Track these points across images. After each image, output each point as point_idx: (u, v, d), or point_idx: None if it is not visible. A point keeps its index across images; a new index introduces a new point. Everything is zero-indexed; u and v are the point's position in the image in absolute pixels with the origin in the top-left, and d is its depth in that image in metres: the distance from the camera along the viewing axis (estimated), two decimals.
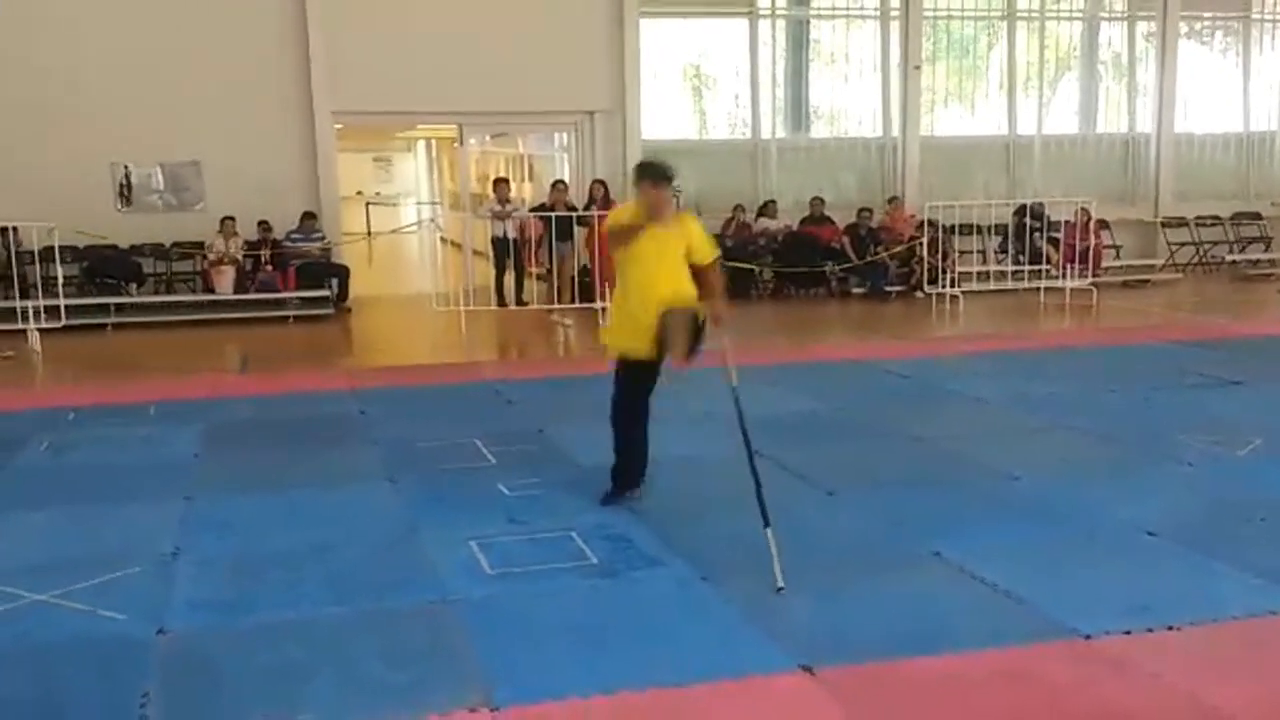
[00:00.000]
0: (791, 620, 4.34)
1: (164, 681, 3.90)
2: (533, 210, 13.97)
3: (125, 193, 13.54)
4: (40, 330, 11.40)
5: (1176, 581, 4.69)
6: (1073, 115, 17.48)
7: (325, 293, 13.42)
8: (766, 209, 14.92)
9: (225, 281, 13.08)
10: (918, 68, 15.80)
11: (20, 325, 11.49)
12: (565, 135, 15.73)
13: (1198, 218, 16.64)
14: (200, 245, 13.41)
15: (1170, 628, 4.19)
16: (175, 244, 13.50)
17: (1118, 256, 15.84)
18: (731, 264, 14.27)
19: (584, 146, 15.15)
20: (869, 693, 3.75)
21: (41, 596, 4.60)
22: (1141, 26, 17.13)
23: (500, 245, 13.59)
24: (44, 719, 3.70)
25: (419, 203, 27.68)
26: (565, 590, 4.68)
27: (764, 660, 3.98)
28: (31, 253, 12.02)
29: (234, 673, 3.96)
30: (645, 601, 4.57)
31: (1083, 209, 14.30)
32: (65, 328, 11.77)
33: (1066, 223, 14.50)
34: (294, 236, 13.50)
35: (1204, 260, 16.53)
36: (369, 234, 20.51)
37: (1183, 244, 16.48)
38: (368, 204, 26.49)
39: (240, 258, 13.22)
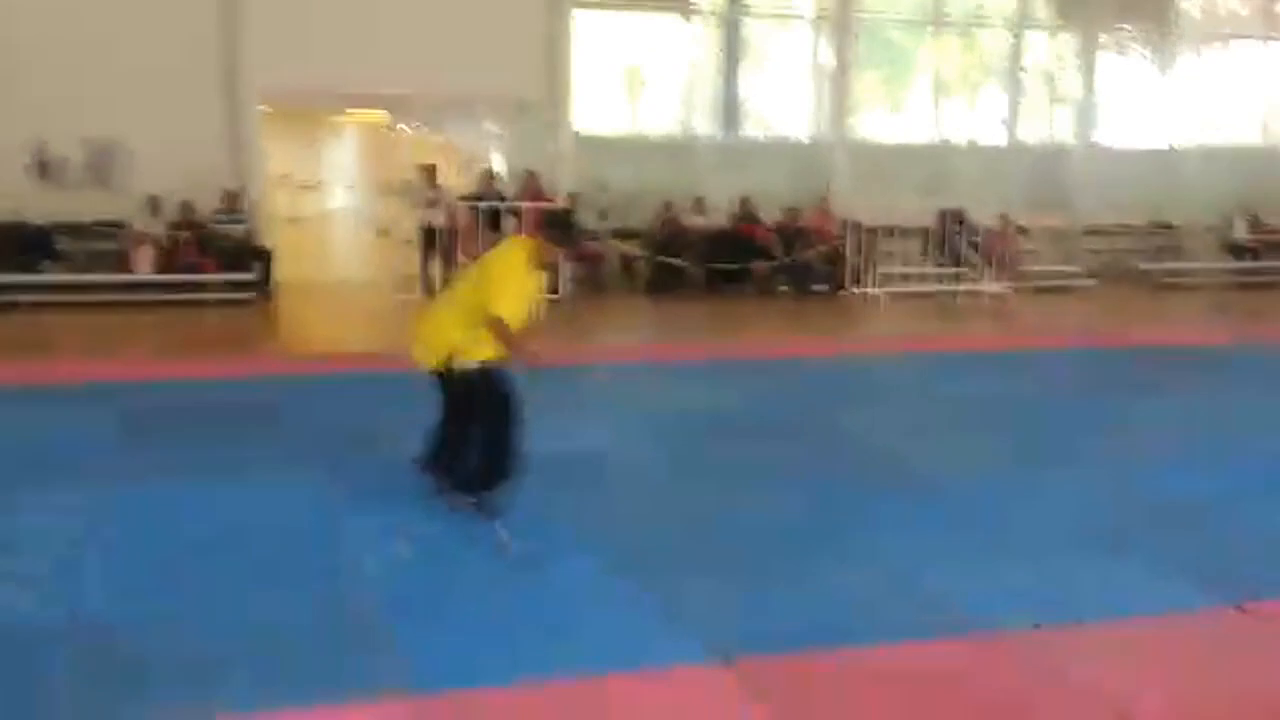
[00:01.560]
0: (709, 612, 4.39)
1: (75, 670, 3.84)
2: (462, 199, 13.88)
3: (43, 168, 13.18)
4: None
5: (1085, 578, 4.83)
6: (998, 123, 17.83)
7: (249, 276, 13.19)
8: (697, 205, 15.00)
9: (145, 263, 12.80)
10: (846, 71, 15.98)
11: None
12: (496, 125, 15.65)
13: (1114, 225, 17.05)
14: (120, 224, 13.10)
15: (1078, 622, 4.31)
16: (94, 223, 13.17)
17: (1037, 262, 16.18)
18: (662, 259, 14.37)
19: (515, 137, 15.08)
20: (785, 683, 3.81)
21: None
22: (1065, 38, 17.52)
23: (428, 233, 13.48)
24: None
25: (347, 188, 27.35)
26: (485, 580, 4.69)
27: (683, 651, 4.03)
28: None
29: (149, 661, 3.90)
30: (565, 592, 4.59)
31: (1002, 215, 14.59)
32: None
33: (987, 228, 14.79)
34: (218, 218, 13.25)
35: (1119, 268, 16.96)
36: (295, 219, 20.20)
37: (1099, 251, 16.88)
38: (296, 188, 26.07)
39: (163, 238, 12.94)
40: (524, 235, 5.27)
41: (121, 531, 5.19)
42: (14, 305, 12.11)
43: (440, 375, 5.24)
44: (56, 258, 13.02)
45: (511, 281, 5.01)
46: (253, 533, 5.19)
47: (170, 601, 4.39)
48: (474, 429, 5.32)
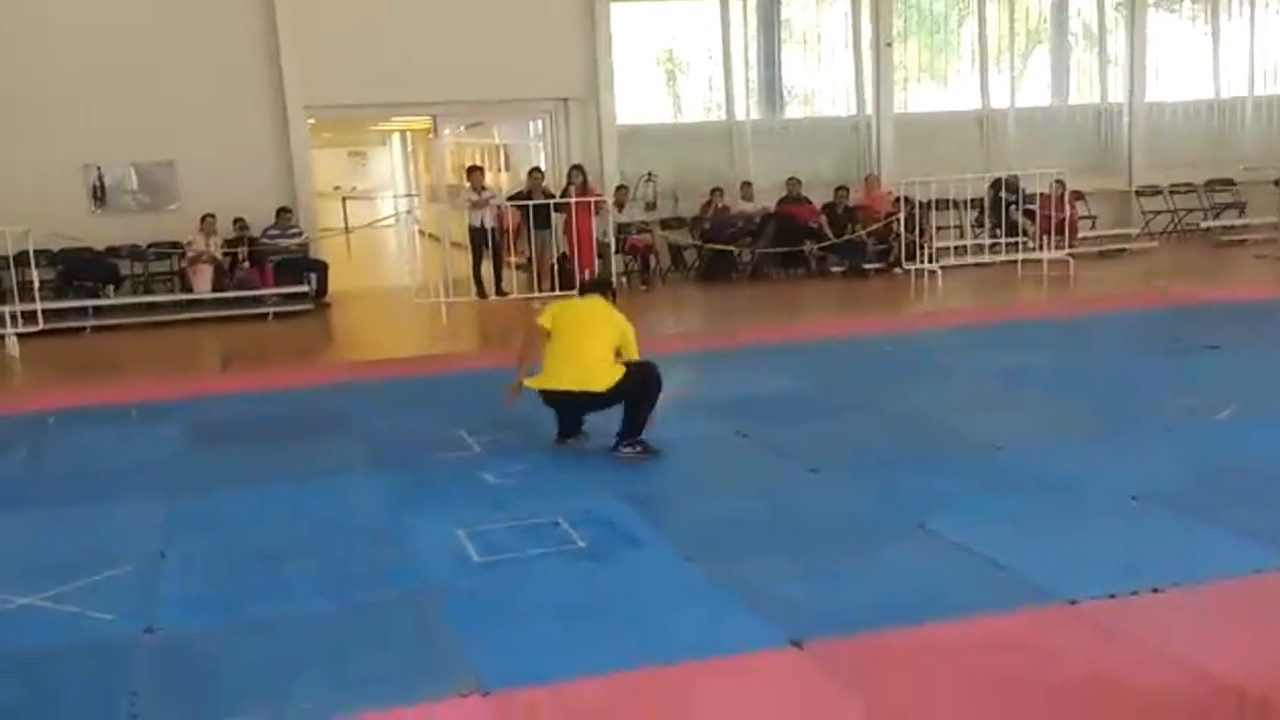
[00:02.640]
0: (779, 597, 4.36)
1: (153, 680, 3.90)
2: (509, 199, 13.93)
3: (99, 194, 13.45)
4: (18, 335, 11.33)
5: (1161, 545, 4.73)
6: (1045, 87, 17.53)
7: (304, 288, 13.36)
8: (744, 191, 14.93)
9: (203, 280, 13.02)
10: (889, 44, 15.82)
11: None
12: (540, 123, 15.69)
13: (1172, 185, 16.72)
14: (176, 245, 13.33)
15: (1156, 590, 4.23)
16: (151, 244, 13.42)
17: (1093, 227, 15.91)
18: (711, 246, 14.33)
19: (558, 134, 15.11)
20: (859, 665, 3.77)
21: (29, 600, 4.59)
22: None
23: (478, 235, 13.55)
24: None
25: (395, 196, 27.58)
26: (553, 575, 4.70)
27: (753, 637, 4.01)
28: (6, 257, 11.91)
29: (224, 669, 3.96)
30: (633, 583, 4.59)
31: (1057, 181, 14.35)
32: (43, 331, 11.68)
33: (1042, 195, 14.55)
34: (270, 233, 13.43)
35: (1179, 228, 16.62)
36: (346, 229, 20.42)
37: (1157, 212, 16.56)
38: (344, 199, 26.36)
39: (219, 256, 13.15)
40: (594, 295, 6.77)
41: (196, 542, 5.27)
42: (80, 330, 12.37)
43: (575, 393, 6.38)
44: (118, 281, 13.28)
45: (629, 328, 6.53)
46: (323, 537, 5.25)
47: (245, 610, 4.45)
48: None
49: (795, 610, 4.19)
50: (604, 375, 6.32)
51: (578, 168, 13.80)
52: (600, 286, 6.97)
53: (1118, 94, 17.19)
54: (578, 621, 4.22)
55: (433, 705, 3.61)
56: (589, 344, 6.40)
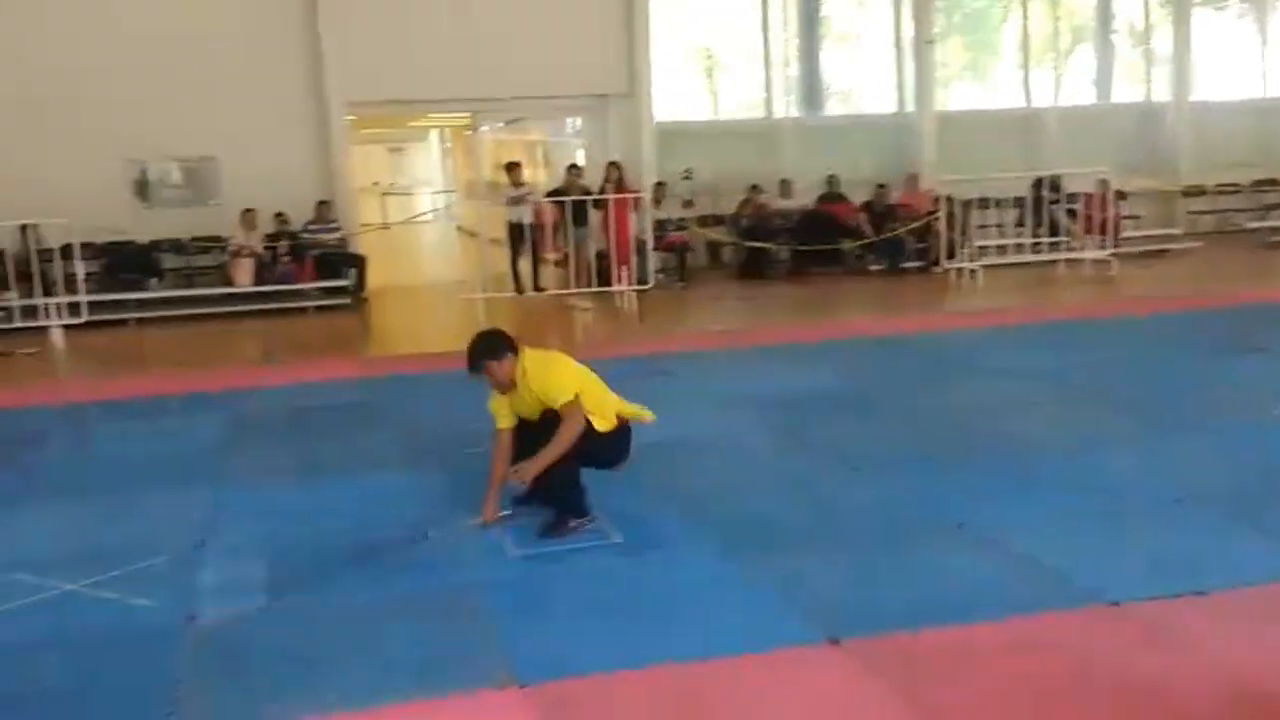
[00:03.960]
0: (817, 594, 4.33)
1: (195, 668, 3.94)
2: (548, 195, 13.96)
3: (143, 189, 13.62)
4: (63, 327, 11.48)
5: (1205, 547, 4.66)
6: (1089, 86, 17.35)
7: (344, 283, 13.45)
8: (783, 189, 14.88)
9: (244, 274, 13.14)
10: (930, 42, 15.70)
11: (43, 322, 11.60)
12: (578, 120, 15.70)
13: (1218, 185, 16.49)
14: (218, 239, 13.48)
15: (1200, 593, 4.16)
16: (194, 238, 13.57)
17: (1137, 227, 15.72)
18: (750, 244, 14.29)
19: (597, 130, 15.12)
20: (896, 663, 3.74)
21: (72, 586, 4.64)
22: None
23: (516, 231, 13.58)
24: (77, 708, 3.73)
25: (434, 192, 27.72)
26: (589, 569, 4.69)
27: (790, 633, 3.98)
28: (51, 250, 12.10)
29: (264, 658, 3.99)
30: (669, 579, 4.57)
31: (1101, 180, 14.20)
32: (87, 324, 11.84)
33: (1085, 194, 14.40)
34: (311, 227, 13.54)
35: (1225, 228, 16.39)
36: (385, 224, 20.55)
37: (1203, 213, 16.35)
38: (383, 194, 26.54)
39: (260, 250, 13.26)
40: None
41: (237, 532, 5.31)
42: (124, 322, 12.52)
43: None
44: (161, 275, 13.44)
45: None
46: (361, 529, 5.27)
47: (286, 600, 4.47)
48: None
49: (833, 608, 4.17)
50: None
51: (614, 164, 13.81)
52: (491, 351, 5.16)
53: (1163, 93, 16.97)
54: (613, 616, 4.21)
55: (468, 696, 3.62)
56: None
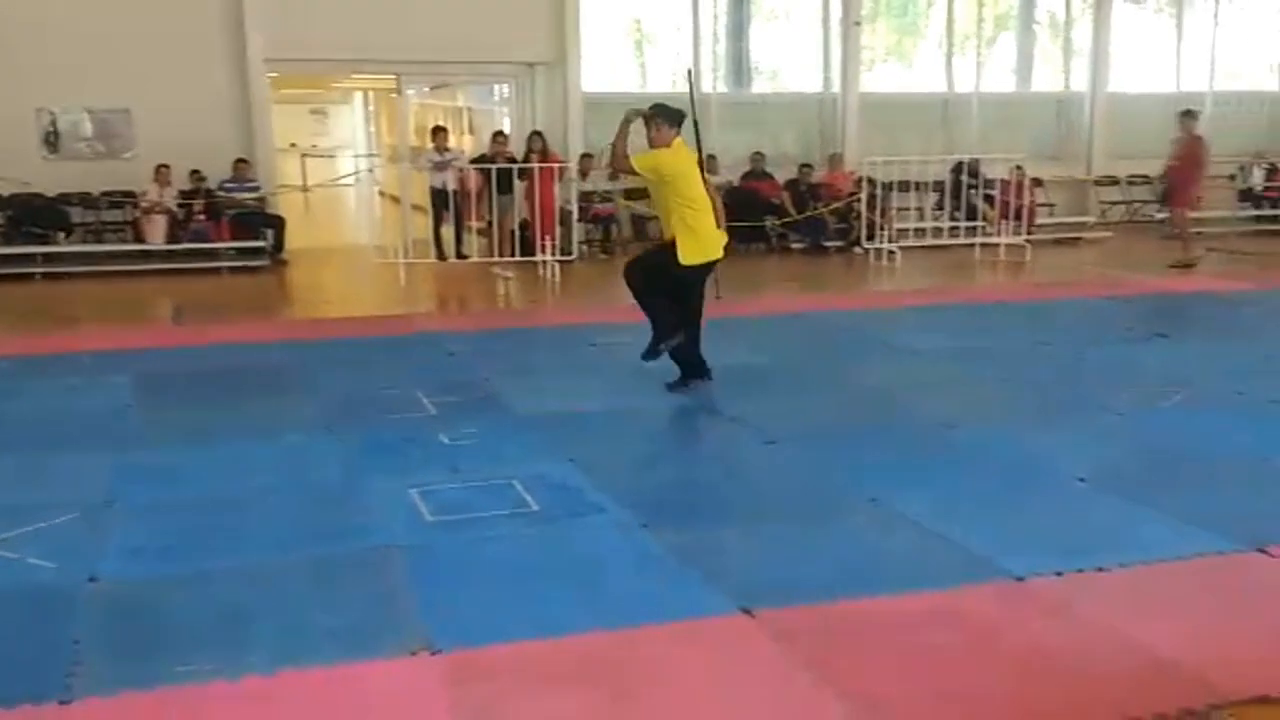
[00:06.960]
0: (731, 564, 4.39)
1: (97, 631, 3.86)
2: (473, 162, 13.82)
3: (52, 140, 13.18)
4: None
5: (1106, 526, 4.81)
6: (1009, 74, 17.63)
7: (261, 243, 13.19)
8: (709, 164, 14.88)
9: (157, 231, 12.81)
10: (858, 24, 15.81)
11: None
12: (505, 88, 15.54)
13: (1129, 176, 16.89)
14: (131, 194, 13.10)
15: (1100, 569, 4.30)
16: (104, 193, 13.18)
17: (1051, 214, 16.05)
18: None
19: (524, 99, 14.99)
20: (807, 633, 3.81)
21: None
22: None
23: (439, 197, 13.42)
24: None
25: (356, 155, 27.24)
26: (506, 537, 4.69)
27: (704, 603, 4.03)
28: None
29: (171, 620, 3.92)
30: (586, 547, 4.59)
31: (1017, 167, 14.47)
32: None
33: (1002, 180, 14.66)
34: (227, 186, 13.24)
35: (1135, 218, 16.80)
36: (305, 186, 20.17)
37: (1115, 203, 16.75)
38: (304, 156, 26.01)
39: (174, 207, 12.94)
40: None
41: (143, 494, 5.21)
42: (30, 276, 12.15)
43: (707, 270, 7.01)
44: (69, 229, 13.04)
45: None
46: (274, 493, 5.20)
47: (192, 562, 4.40)
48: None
49: (747, 579, 4.22)
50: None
51: (537, 133, 13.72)
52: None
53: (1080, 83, 17.32)
54: (529, 583, 4.22)
55: (383, 662, 3.60)
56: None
